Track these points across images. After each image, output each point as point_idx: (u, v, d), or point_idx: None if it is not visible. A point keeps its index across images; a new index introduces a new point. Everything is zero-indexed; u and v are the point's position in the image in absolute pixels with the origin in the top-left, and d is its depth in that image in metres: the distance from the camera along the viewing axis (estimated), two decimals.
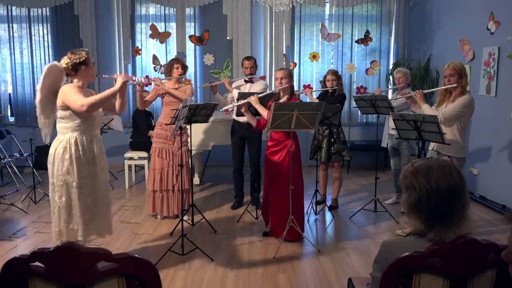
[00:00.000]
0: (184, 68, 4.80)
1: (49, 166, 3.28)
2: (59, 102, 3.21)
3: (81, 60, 3.22)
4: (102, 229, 3.50)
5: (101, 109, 3.42)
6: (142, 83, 4.05)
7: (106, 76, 3.66)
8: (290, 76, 4.25)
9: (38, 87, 3.21)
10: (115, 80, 3.33)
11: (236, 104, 4.36)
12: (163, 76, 7.03)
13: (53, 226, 3.35)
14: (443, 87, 4.03)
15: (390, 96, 5.54)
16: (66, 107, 3.20)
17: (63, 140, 3.23)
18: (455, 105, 3.93)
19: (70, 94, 3.16)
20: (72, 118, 3.22)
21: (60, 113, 3.24)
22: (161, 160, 4.70)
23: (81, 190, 3.25)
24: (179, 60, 4.83)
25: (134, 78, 3.43)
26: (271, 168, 4.21)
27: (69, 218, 3.27)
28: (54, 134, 3.42)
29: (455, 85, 3.93)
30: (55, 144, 3.27)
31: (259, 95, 4.20)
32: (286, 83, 4.18)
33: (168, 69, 4.77)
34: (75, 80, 3.28)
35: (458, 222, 1.59)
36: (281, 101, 4.19)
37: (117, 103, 3.47)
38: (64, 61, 3.23)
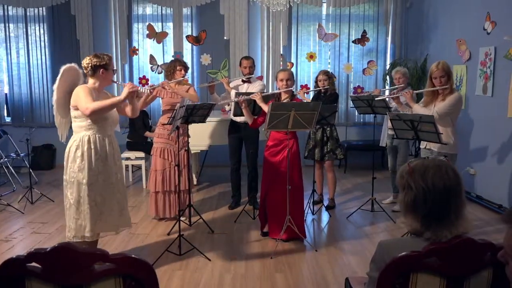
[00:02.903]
0: (186, 69, 4.80)
1: (65, 163, 3.39)
2: (72, 102, 3.33)
3: (101, 63, 3.34)
4: (115, 225, 3.54)
5: (115, 110, 3.50)
6: (147, 92, 4.08)
7: (118, 82, 3.71)
8: (293, 77, 4.29)
9: (55, 86, 3.37)
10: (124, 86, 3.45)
11: (236, 99, 4.30)
12: (159, 76, 7.10)
13: (67, 222, 3.44)
14: (434, 88, 4.04)
15: (386, 94, 5.53)
16: (77, 107, 3.31)
17: (77, 139, 3.33)
18: (447, 103, 3.99)
19: (81, 95, 3.25)
20: (85, 117, 3.29)
21: (73, 112, 3.35)
22: (163, 160, 4.67)
23: (91, 187, 3.32)
24: (181, 62, 4.81)
25: (140, 88, 3.54)
26: (271, 168, 4.18)
27: (77, 214, 3.35)
28: (70, 133, 3.52)
29: (447, 86, 3.97)
30: (70, 143, 3.38)
31: (262, 95, 4.21)
32: (291, 85, 4.21)
33: (170, 71, 4.75)
34: (91, 81, 3.39)
35: (455, 221, 1.60)
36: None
37: (128, 109, 3.57)
38: (85, 61, 3.37)
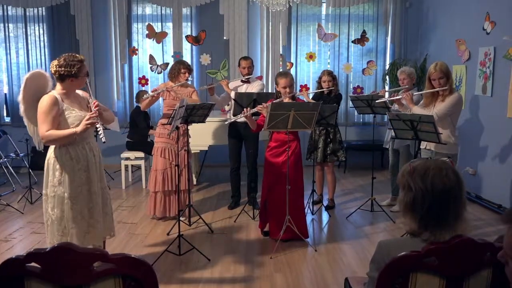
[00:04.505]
0: (190, 72, 4.79)
1: (44, 176, 3.12)
2: None
3: (71, 73, 2.99)
4: (103, 235, 3.33)
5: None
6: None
7: (89, 92, 3.21)
8: (293, 82, 4.29)
9: (20, 98, 3.01)
10: (88, 104, 3.11)
11: (243, 115, 4.10)
12: (159, 76, 7.10)
13: (48, 238, 3.16)
14: (434, 90, 4.03)
15: (386, 96, 5.51)
16: None
17: (55, 150, 3.07)
18: (447, 104, 3.98)
19: (41, 116, 2.95)
20: None
21: None
22: (164, 160, 4.67)
23: (75, 200, 3.06)
24: (186, 64, 4.79)
25: (97, 123, 3.03)
26: (273, 169, 4.16)
27: (59, 231, 3.07)
28: None
29: (446, 87, 3.96)
30: (48, 154, 3.11)
31: (273, 101, 4.11)
32: (292, 91, 4.21)
33: (175, 73, 4.74)
34: (59, 87, 3.06)
35: (453, 223, 1.60)
36: None
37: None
38: (53, 68, 3.01)
